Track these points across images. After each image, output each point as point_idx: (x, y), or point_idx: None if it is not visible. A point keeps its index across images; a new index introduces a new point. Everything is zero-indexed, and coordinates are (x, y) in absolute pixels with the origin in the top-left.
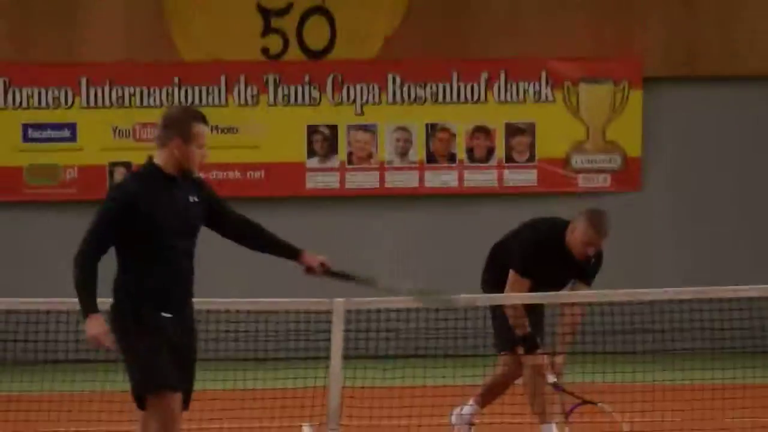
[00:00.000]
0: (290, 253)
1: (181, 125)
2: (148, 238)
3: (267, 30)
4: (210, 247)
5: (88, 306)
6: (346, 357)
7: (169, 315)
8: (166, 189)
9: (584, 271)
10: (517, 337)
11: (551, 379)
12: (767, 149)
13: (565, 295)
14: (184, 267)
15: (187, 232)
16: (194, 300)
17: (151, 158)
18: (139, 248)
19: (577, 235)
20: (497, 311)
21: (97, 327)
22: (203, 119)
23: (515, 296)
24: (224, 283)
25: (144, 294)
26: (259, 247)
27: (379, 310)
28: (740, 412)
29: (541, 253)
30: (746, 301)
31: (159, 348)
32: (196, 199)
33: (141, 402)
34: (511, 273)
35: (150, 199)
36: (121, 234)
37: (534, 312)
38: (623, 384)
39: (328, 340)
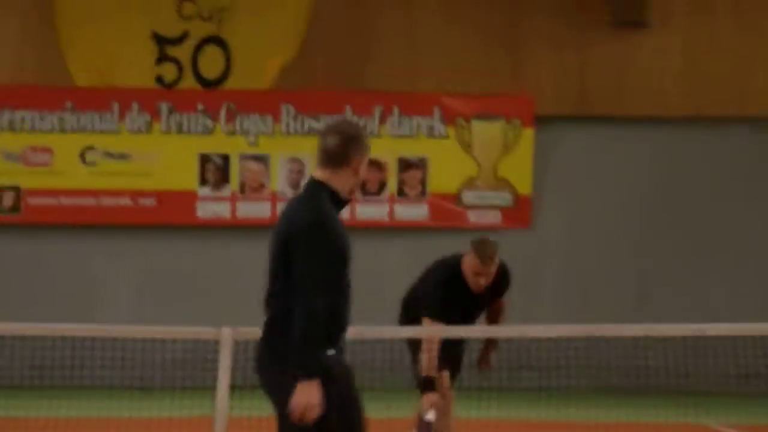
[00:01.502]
0: None
1: (363, 142)
2: (344, 273)
3: (162, 58)
4: (102, 270)
5: (316, 367)
6: (233, 386)
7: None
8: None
9: (492, 296)
10: (419, 376)
11: (429, 416)
12: (657, 189)
13: (447, 330)
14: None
15: None
16: (79, 326)
17: (318, 180)
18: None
19: (466, 268)
20: (416, 354)
21: (315, 394)
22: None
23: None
24: (114, 309)
25: (338, 340)
26: None
27: None
28: None
29: (447, 293)
30: (631, 341)
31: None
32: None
33: None
34: (425, 320)
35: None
36: None
37: (450, 347)
38: (509, 420)
39: (216, 369)
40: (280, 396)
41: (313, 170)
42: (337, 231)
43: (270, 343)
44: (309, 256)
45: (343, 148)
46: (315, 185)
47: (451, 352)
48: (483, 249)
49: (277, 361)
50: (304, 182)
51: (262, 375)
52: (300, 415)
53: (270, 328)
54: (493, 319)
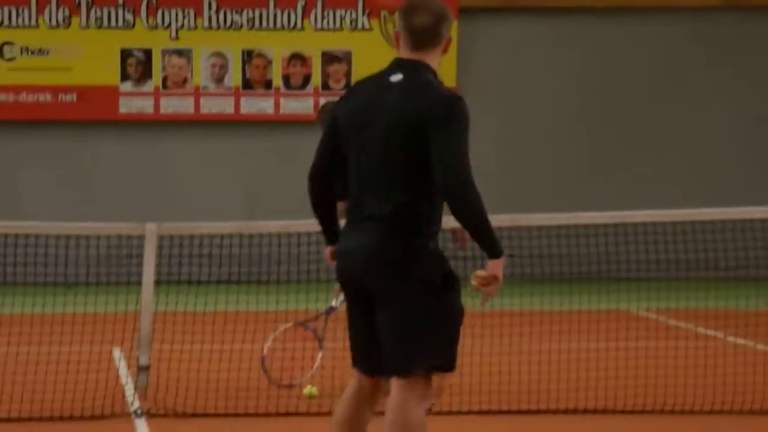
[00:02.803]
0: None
1: (451, 18)
2: None
3: None
4: (23, 168)
5: (498, 243)
6: (158, 282)
7: None
8: None
9: None
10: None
11: (334, 302)
12: (585, 80)
13: None
14: None
15: None
16: (2, 223)
17: (419, 61)
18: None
19: None
20: None
21: (501, 272)
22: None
23: None
24: (35, 207)
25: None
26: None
27: (192, 236)
28: (541, 337)
29: None
30: (555, 229)
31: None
32: None
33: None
34: None
35: None
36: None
37: None
38: None
39: (141, 265)
40: (406, 296)
41: (237, 65)
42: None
43: (394, 239)
44: (461, 133)
45: (435, 27)
46: (420, 66)
47: None
48: None
49: (409, 261)
50: (228, 77)
51: (379, 278)
52: (490, 290)
53: (393, 225)
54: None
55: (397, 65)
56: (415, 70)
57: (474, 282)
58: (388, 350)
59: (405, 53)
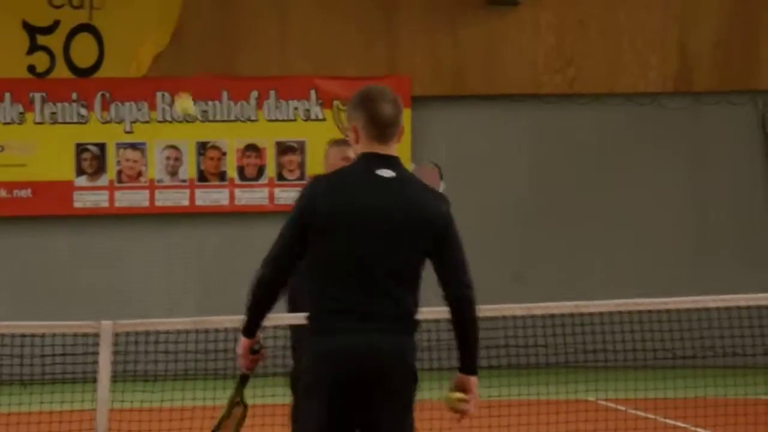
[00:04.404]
0: None
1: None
2: None
3: (33, 47)
4: None
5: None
6: (115, 379)
7: None
8: None
9: None
10: None
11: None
12: (534, 165)
13: None
14: None
15: None
16: None
17: (393, 156)
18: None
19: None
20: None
21: None
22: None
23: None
24: None
25: None
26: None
27: (148, 332)
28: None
29: None
30: (511, 320)
31: None
32: None
33: None
34: None
35: None
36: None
37: None
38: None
39: (96, 362)
40: (408, 398)
41: (191, 157)
42: None
43: (405, 340)
44: (459, 241)
45: (398, 117)
46: (399, 162)
47: None
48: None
49: (412, 361)
50: (182, 169)
51: (396, 381)
52: (471, 409)
53: (406, 325)
54: None
55: (379, 160)
56: (399, 166)
57: (460, 406)
58: None
59: (371, 147)
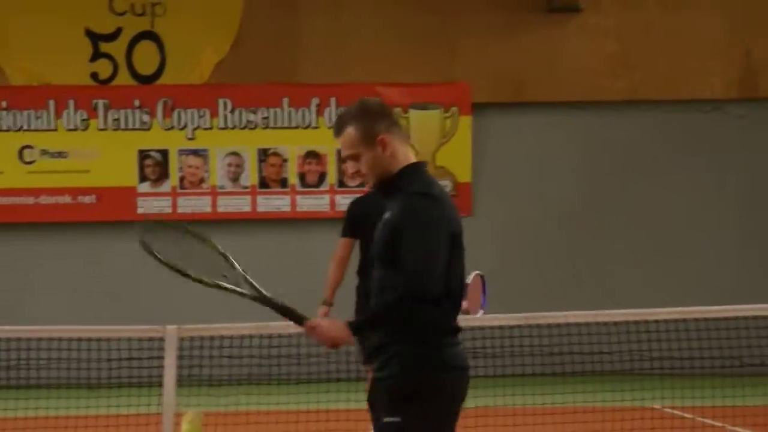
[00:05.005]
0: None
1: None
2: None
3: (96, 55)
4: (40, 269)
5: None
6: (180, 383)
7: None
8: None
9: None
10: None
11: None
12: (594, 173)
13: None
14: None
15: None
16: (14, 327)
17: None
18: None
19: None
20: None
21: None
22: (336, 123)
23: None
24: (53, 309)
25: None
26: None
27: (212, 337)
28: None
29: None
30: (575, 327)
31: None
32: (387, 216)
33: None
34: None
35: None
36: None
37: None
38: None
39: (161, 366)
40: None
41: (252, 163)
42: None
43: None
44: None
45: None
46: None
47: None
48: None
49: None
50: (244, 175)
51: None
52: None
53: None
54: None
55: (426, 168)
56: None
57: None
58: None
59: (412, 153)
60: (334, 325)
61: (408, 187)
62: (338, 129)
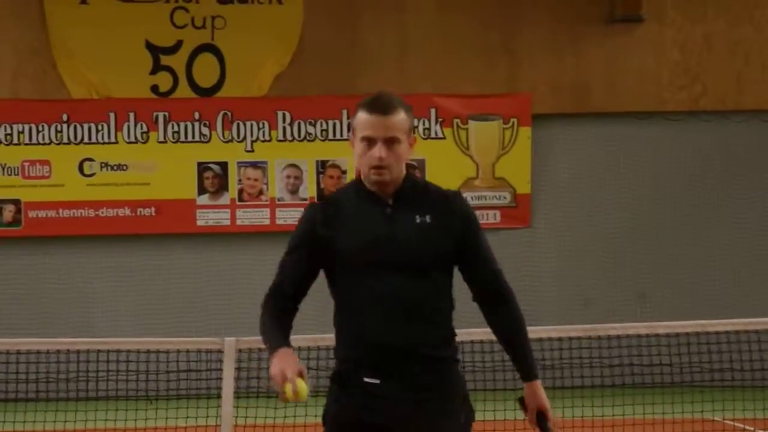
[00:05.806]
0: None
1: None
2: (331, 270)
3: (156, 68)
4: (99, 281)
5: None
6: (238, 395)
7: (374, 380)
8: (361, 207)
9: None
10: None
11: None
12: (655, 184)
13: None
14: (396, 310)
15: (401, 263)
16: (74, 339)
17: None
18: (331, 285)
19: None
20: None
21: None
22: (370, 105)
23: None
24: (114, 321)
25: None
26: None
27: None
28: None
29: None
30: (635, 338)
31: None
32: (428, 220)
33: None
34: None
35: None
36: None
37: None
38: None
39: (220, 378)
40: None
41: (311, 175)
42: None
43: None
44: None
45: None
46: None
47: None
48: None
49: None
50: (302, 187)
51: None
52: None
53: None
54: None
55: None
56: None
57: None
58: None
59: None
60: None
61: (440, 188)
62: (390, 108)
